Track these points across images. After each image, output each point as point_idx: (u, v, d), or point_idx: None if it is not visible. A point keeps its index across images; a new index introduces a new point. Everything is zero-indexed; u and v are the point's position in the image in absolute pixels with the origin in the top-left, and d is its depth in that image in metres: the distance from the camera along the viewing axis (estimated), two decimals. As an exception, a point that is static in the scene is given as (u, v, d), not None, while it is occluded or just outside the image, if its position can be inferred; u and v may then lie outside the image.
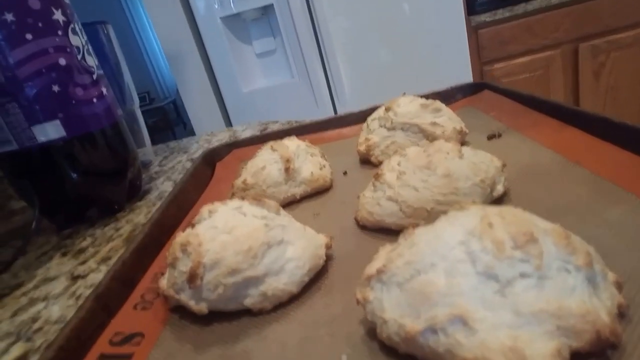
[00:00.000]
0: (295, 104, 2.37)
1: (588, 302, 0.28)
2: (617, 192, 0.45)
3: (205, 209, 0.45)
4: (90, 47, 0.77)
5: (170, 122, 7.87)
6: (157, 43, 2.34)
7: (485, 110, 0.79)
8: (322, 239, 0.46)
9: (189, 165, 1.01)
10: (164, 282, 0.43)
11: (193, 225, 0.45)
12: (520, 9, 2.41)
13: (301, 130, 0.88)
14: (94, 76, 0.75)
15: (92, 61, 0.76)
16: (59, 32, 0.70)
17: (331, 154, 0.74)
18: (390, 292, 0.32)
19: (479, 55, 2.50)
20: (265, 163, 0.63)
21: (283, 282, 0.40)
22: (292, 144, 0.66)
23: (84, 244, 0.69)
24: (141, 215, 0.76)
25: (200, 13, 2.30)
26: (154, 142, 1.17)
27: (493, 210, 0.33)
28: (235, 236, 0.41)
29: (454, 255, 0.30)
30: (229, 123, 2.49)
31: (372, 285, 0.34)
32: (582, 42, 2.47)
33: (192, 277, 0.39)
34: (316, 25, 2.23)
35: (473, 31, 2.44)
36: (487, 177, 0.46)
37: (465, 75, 2.32)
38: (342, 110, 2.35)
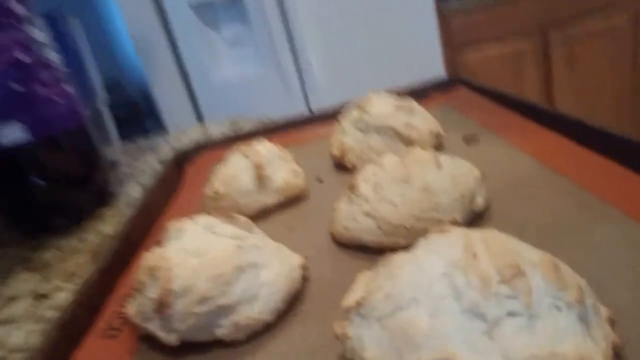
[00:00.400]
0: (266, 93, 2.34)
1: (582, 346, 0.26)
2: (600, 206, 0.43)
3: (173, 227, 0.43)
4: (52, 42, 0.74)
5: (141, 112, 7.78)
6: (127, 28, 2.29)
7: (460, 109, 0.77)
8: (297, 260, 0.44)
9: (158, 166, 0.98)
10: (131, 308, 0.41)
11: (160, 243, 0.43)
12: None
13: (273, 130, 0.86)
14: (58, 73, 0.72)
15: (54, 57, 0.73)
16: (18, 26, 0.66)
17: (304, 157, 0.72)
18: (370, 329, 0.30)
19: (451, 42, 2.48)
20: (236, 170, 0.60)
21: (257, 310, 0.38)
22: (263, 148, 0.64)
23: (49, 256, 0.67)
24: (108, 224, 0.73)
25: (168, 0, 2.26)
26: (124, 134, 1.14)
27: (476, 235, 0.31)
28: (206, 260, 0.39)
29: (437, 290, 0.29)
30: (199, 114, 2.45)
31: (350, 318, 0.32)
32: (553, 30, 2.47)
33: (161, 306, 0.37)
34: (285, 12, 2.20)
35: (443, 18, 2.42)
36: (466, 190, 0.45)
37: (437, 62, 2.32)
38: (313, 98, 2.33)
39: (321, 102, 2.32)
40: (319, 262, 0.47)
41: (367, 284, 0.33)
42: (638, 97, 2.65)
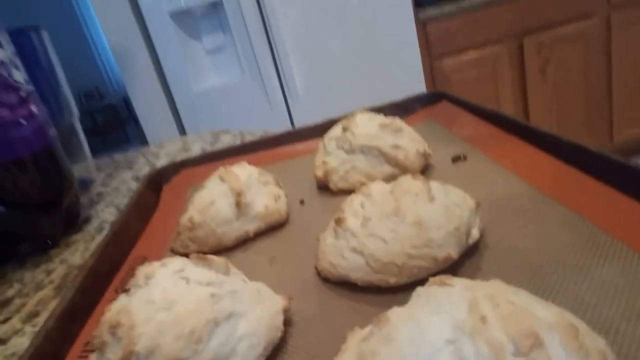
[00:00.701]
0: (247, 102, 2.32)
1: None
2: (596, 235, 0.40)
3: (141, 273, 0.39)
4: (18, 61, 0.69)
5: (121, 120, 7.73)
6: (105, 36, 2.26)
7: (446, 125, 0.75)
8: (279, 303, 0.40)
9: (134, 185, 0.94)
10: (92, 368, 0.37)
11: (127, 291, 0.38)
12: (466, 2, 2.47)
13: (253, 147, 0.82)
14: (22, 93, 0.68)
15: (20, 76, 0.68)
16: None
17: (286, 176, 0.69)
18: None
19: (429, 49, 2.54)
20: (213, 197, 0.56)
21: (235, 368, 0.34)
22: (243, 172, 0.60)
23: (10, 292, 0.62)
24: (77, 253, 0.68)
25: (147, 8, 2.22)
26: (105, 143, 1.09)
27: (481, 290, 0.27)
28: (176, 314, 0.34)
29: (441, 360, 0.25)
30: (179, 123, 2.42)
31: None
32: (526, 37, 2.56)
33: (123, 371, 0.33)
34: (266, 19, 2.19)
35: (421, 25, 2.49)
36: (461, 223, 0.41)
37: (416, 69, 2.37)
38: (295, 106, 2.32)
39: (303, 110, 2.31)
40: (303, 301, 0.43)
41: (360, 346, 0.29)
42: (609, 99, 2.74)
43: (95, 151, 1.05)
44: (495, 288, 0.28)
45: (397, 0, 2.24)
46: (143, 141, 2.57)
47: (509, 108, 2.67)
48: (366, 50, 2.29)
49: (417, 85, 2.35)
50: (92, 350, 0.39)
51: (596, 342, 0.26)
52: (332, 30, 2.26)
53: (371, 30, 2.27)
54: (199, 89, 2.34)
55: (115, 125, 7.59)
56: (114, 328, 0.34)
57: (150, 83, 2.37)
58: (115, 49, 2.34)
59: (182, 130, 2.42)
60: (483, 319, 0.25)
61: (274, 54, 2.26)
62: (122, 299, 0.37)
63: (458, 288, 0.28)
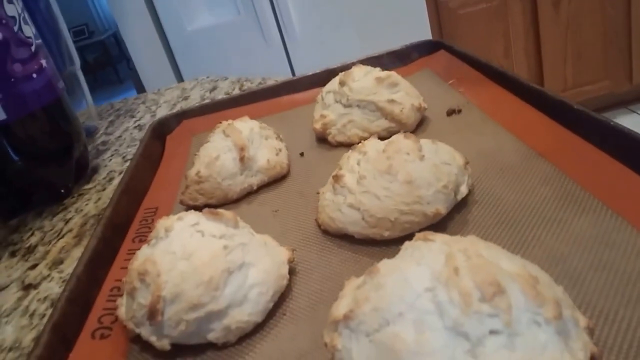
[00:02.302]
0: (243, 42, 2.31)
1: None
2: (582, 196, 0.44)
3: (161, 226, 0.43)
4: (27, 15, 0.72)
5: (112, 57, 7.65)
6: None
7: (443, 77, 0.77)
8: (284, 254, 0.44)
9: (136, 133, 0.98)
10: (122, 310, 0.42)
11: (148, 241, 0.43)
12: None
13: (252, 97, 0.85)
14: (33, 48, 0.71)
15: (29, 31, 0.71)
16: (-10, 5, 0.65)
17: (286, 128, 0.72)
18: (359, 343, 0.31)
19: None
20: (218, 152, 0.60)
21: (247, 312, 0.39)
22: (245, 127, 0.63)
23: (33, 240, 0.67)
24: (91, 202, 0.73)
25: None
26: (96, 81, 1.11)
27: (458, 245, 0.32)
28: (195, 265, 0.39)
29: (421, 304, 0.30)
30: (174, 62, 2.41)
31: (339, 330, 0.33)
32: None
33: (152, 314, 0.38)
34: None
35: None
36: (450, 180, 0.45)
37: (418, 6, 2.28)
38: (293, 46, 2.30)
39: (301, 49, 2.29)
40: (305, 252, 0.47)
41: (355, 293, 0.34)
42: (629, 37, 2.58)
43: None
44: (470, 243, 0.32)
45: None
46: (136, 81, 2.56)
47: (520, 45, 2.57)
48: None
49: (421, 22, 2.30)
50: (118, 295, 0.44)
51: (554, 291, 0.31)
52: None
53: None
54: (193, 28, 2.32)
55: (105, 63, 7.51)
56: (142, 275, 0.39)
57: (142, 22, 2.35)
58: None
59: (177, 70, 2.41)
60: (456, 270, 0.30)
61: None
62: (146, 249, 0.42)
63: (438, 243, 0.33)
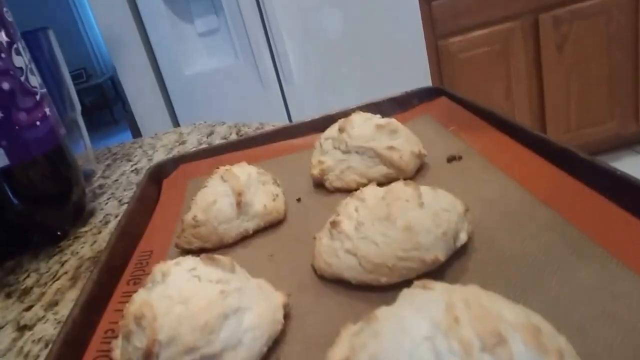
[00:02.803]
0: (240, 87, 2.33)
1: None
2: (586, 244, 0.44)
3: (158, 270, 0.43)
4: (33, 65, 0.73)
5: (108, 100, 7.74)
6: (95, 18, 2.28)
7: (443, 123, 0.77)
8: (279, 298, 0.44)
9: (133, 177, 0.98)
10: (117, 353, 0.42)
11: (142, 284, 0.43)
12: None
13: (250, 143, 0.86)
14: (38, 97, 0.72)
15: (35, 81, 0.72)
16: (2, 55, 0.66)
17: (283, 173, 0.72)
18: (355, 390, 0.31)
19: (433, 28, 2.45)
20: (215, 197, 0.60)
21: (241, 356, 0.39)
22: (242, 172, 0.64)
23: (29, 281, 0.67)
24: (87, 245, 0.73)
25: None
26: (91, 122, 1.12)
27: (458, 294, 0.32)
28: (191, 309, 0.39)
29: (420, 353, 0.29)
30: (170, 107, 2.43)
31: (336, 378, 0.32)
32: (542, 13, 2.42)
33: (148, 357, 0.37)
34: (260, 1, 2.18)
35: (426, 2, 2.39)
36: (449, 227, 0.45)
37: (419, 50, 2.31)
38: (290, 92, 2.32)
39: (298, 96, 2.30)
40: (301, 297, 0.47)
41: (351, 339, 0.34)
42: (636, 79, 2.58)
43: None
44: (470, 292, 0.32)
45: None
46: (132, 123, 2.58)
47: (522, 86, 2.57)
48: (365, 30, 2.26)
49: (421, 66, 2.32)
50: (112, 337, 0.44)
51: (557, 341, 0.30)
52: (329, 10, 2.23)
53: (370, 9, 2.24)
54: (191, 72, 2.35)
55: (101, 106, 7.58)
56: (138, 319, 0.39)
57: (141, 66, 2.37)
58: (106, 31, 2.34)
59: (173, 115, 2.43)
60: (456, 319, 0.29)
61: (268, 37, 2.26)
62: (142, 293, 0.42)
63: (438, 291, 0.33)
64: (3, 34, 0.67)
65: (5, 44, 0.67)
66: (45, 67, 0.89)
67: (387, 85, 0.87)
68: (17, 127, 0.67)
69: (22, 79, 0.69)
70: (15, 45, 0.69)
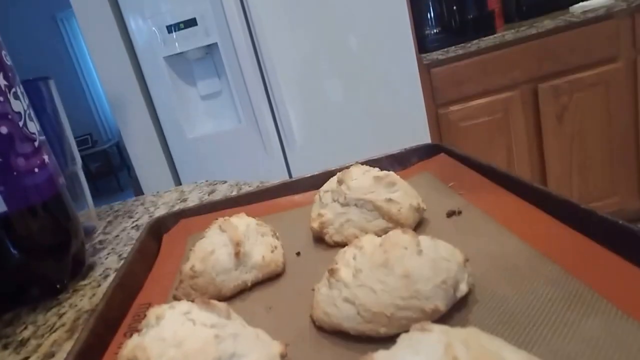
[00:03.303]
0: (243, 150, 2.35)
1: None
2: (589, 297, 0.43)
3: (152, 314, 0.43)
4: (32, 112, 0.74)
5: (113, 166, 7.81)
6: (100, 83, 2.33)
7: (443, 179, 0.77)
8: (276, 348, 0.43)
9: (134, 233, 0.97)
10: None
11: (138, 332, 0.42)
12: (473, 46, 2.41)
13: (250, 198, 0.86)
14: (36, 143, 0.72)
15: (34, 127, 0.72)
16: (0, 98, 0.66)
17: (283, 228, 0.72)
18: None
19: (433, 96, 2.48)
20: (214, 247, 0.60)
21: (236, 405, 0.38)
22: (241, 223, 0.64)
23: (26, 333, 0.66)
24: (85, 298, 0.72)
25: (143, 52, 2.26)
26: (97, 188, 1.13)
27: (457, 336, 0.31)
28: (185, 352, 0.38)
29: (418, 395, 0.29)
30: (174, 170, 2.45)
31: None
32: (541, 83, 2.45)
33: (139, 403, 0.36)
34: (262, 65, 2.22)
35: (425, 70, 2.43)
36: (449, 277, 0.45)
37: (419, 117, 2.33)
38: (292, 155, 2.34)
39: (301, 159, 2.32)
40: (299, 348, 0.46)
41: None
42: (637, 151, 2.58)
43: (89, 198, 1.09)
44: (470, 333, 0.32)
45: (399, 44, 2.24)
46: (136, 188, 2.59)
47: (523, 158, 2.58)
48: (366, 96, 2.29)
49: (421, 134, 2.34)
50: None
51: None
52: (331, 76, 2.27)
53: (372, 76, 2.27)
54: (194, 135, 2.37)
55: (107, 172, 7.64)
56: (130, 363, 0.38)
57: (144, 129, 2.40)
58: (111, 94, 2.37)
59: (176, 177, 2.44)
60: (455, 359, 0.29)
61: (271, 101, 2.29)
62: (136, 338, 0.41)
63: (436, 333, 0.32)
64: (1, 76, 0.67)
65: (3, 87, 0.67)
66: (45, 117, 0.90)
67: (389, 151, 0.87)
68: (15, 173, 0.67)
69: (21, 124, 0.69)
70: (14, 90, 0.69)
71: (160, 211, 1.08)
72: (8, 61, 0.70)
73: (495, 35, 2.43)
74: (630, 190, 2.67)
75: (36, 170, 0.71)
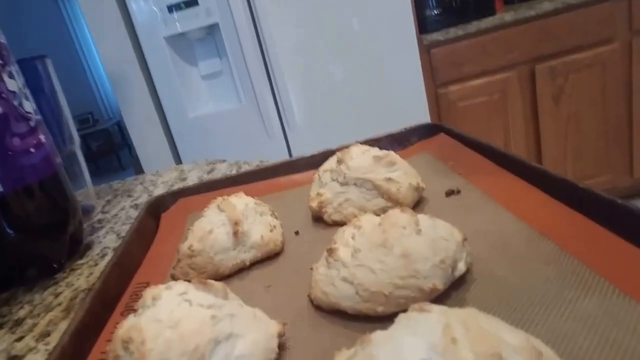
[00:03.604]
0: (243, 130, 2.33)
1: None
2: (586, 275, 0.43)
3: (148, 295, 0.42)
4: (27, 91, 0.73)
5: (114, 145, 7.80)
6: (101, 62, 2.30)
7: (442, 159, 0.77)
8: (274, 327, 0.43)
9: (133, 212, 0.97)
10: (104, 380, 0.40)
11: (134, 312, 0.42)
12: (473, 27, 2.41)
13: (250, 177, 0.85)
14: (32, 123, 0.71)
15: (29, 106, 0.72)
16: (-8, 79, 0.65)
17: (282, 207, 0.72)
18: (349, 415, 0.30)
19: (433, 76, 2.49)
20: (212, 226, 0.59)
21: (232, 384, 0.38)
22: (240, 202, 0.63)
23: (22, 313, 0.65)
24: (82, 277, 0.72)
25: (143, 32, 2.25)
26: (98, 167, 1.12)
27: (456, 316, 0.31)
28: (181, 333, 0.38)
29: (415, 376, 0.28)
30: (174, 149, 2.44)
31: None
32: (538, 64, 2.46)
33: (134, 383, 0.36)
34: (263, 45, 2.20)
35: (425, 51, 2.44)
36: (447, 256, 0.44)
37: (419, 97, 2.32)
38: (292, 134, 2.33)
39: (301, 139, 2.31)
40: (297, 328, 0.46)
41: (344, 364, 0.32)
42: (630, 131, 2.61)
43: (89, 176, 1.08)
44: (468, 314, 0.31)
45: (400, 24, 2.23)
46: (137, 167, 2.58)
47: (520, 138, 2.61)
48: (367, 76, 2.28)
49: (421, 113, 2.33)
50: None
51: (557, 365, 0.29)
52: (331, 56, 2.26)
53: (372, 56, 2.26)
54: (195, 115, 2.36)
55: (108, 151, 7.63)
56: (126, 343, 0.38)
57: (145, 109, 2.38)
58: (111, 74, 2.36)
59: (177, 157, 2.43)
60: (454, 340, 0.28)
61: (271, 81, 2.27)
62: (132, 318, 0.41)
63: (435, 314, 0.32)
64: (-4, 58, 0.66)
65: (-2, 68, 0.66)
66: (42, 96, 0.89)
67: (389, 131, 0.87)
68: (10, 153, 0.67)
69: (16, 103, 0.68)
70: (8, 68, 0.68)
71: (160, 190, 1.08)
72: (2, 40, 0.69)
73: (494, 17, 2.43)
74: (622, 168, 2.71)
75: (32, 150, 0.70)
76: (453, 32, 2.43)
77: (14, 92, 0.68)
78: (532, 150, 2.67)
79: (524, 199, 0.57)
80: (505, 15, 2.42)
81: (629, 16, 2.45)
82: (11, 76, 0.69)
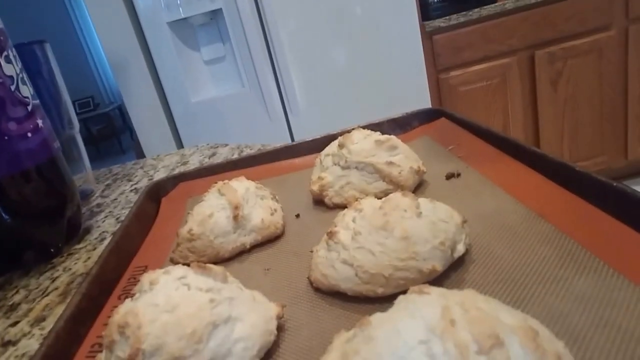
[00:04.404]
0: (246, 115, 2.33)
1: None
2: (582, 255, 0.43)
3: (146, 279, 0.42)
4: (25, 75, 0.72)
5: (115, 129, 7.79)
6: (102, 47, 2.29)
7: (443, 143, 0.77)
8: (273, 309, 0.42)
9: (132, 196, 0.97)
10: (100, 365, 0.40)
11: (132, 296, 0.41)
12: (474, 14, 2.44)
13: (251, 161, 0.84)
14: (29, 107, 0.70)
15: (27, 91, 0.71)
16: (-12, 63, 0.65)
17: (283, 190, 0.72)
18: (348, 397, 0.29)
19: (434, 62, 2.51)
20: (212, 210, 0.59)
21: (231, 367, 0.37)
22: (240, 186, 0.63)
23: (17, 297, 0.65)
24: (80, 262, 0.71)
25: (145, 17, 2.23)
26: (99, 151, 1.11)
27: (455, 298, 0.30)
28: (178, 317, 0.37)
29: (414, 358, 0.28)
30: (176, 134, 2.43)
31: (328, 386, 0.31)
32: (538, 49, 2.50)
33: (131, 367, 0.36)
34: (266, 30, 2.19)
35: (427, 37, 2.46)
36: (447, 238, 0.44)
37: (420, 82, 2.33)
38: (295, 121, 2.32)
39: (303, 124, 2.30)
40: (296, 308, 0.46)
41: (344, 346, 0.32)
42: (625, 116, 2.66)
43: (90, 160, 1.07)
44: (467, 296, 0.31)
45: (402, 11, 2.23)
46: (138, 151, 2.57)
47: (518, 121, 2.65)
48: (369, 62, 2.28)
49: (422, 99, 2.34)
50: (99, 351, 0.42)
51: (555, 345, 0.29)
52: (334, 42, 2.25)
53: (375, 42, 2.26)
54: (197, 100, 2.35)
55: (109, 135, 7.62)
56: (122, 328, 0.37)
57: (147, 93, 2.38)
58: (113, 58, 2.34)
59: (179, 142, 2.42)
60: (452, 322, 0.28)
61: (274, 66, 2.27)
62: (128, 303, 0.40)
63: (434, 296, 0.31)
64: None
65: (-6, 52, 0.66)
66: (40, 81, 0.89)
67: (390, 115, 0.87)
68: (6, 137, 0.66)
69: (12, 87, 0.67)
70: (5, 53, 0.68)
71: (160, 174, 1.07)
72: (-1, 25, 0.69)
73: (495, 4, 2.47)
74: (617, 150, 2.77)
75: (29, 134, 0.69)
76: (455, 18, 2.46)
77: (10, 77, 0.68)
78: (531, 133, 2.71)
79: (522, 181, 0.58)
80: (507, 3, 2.45)
81: (626, 4, 2.50)
82: (8, 60, 0.68)
